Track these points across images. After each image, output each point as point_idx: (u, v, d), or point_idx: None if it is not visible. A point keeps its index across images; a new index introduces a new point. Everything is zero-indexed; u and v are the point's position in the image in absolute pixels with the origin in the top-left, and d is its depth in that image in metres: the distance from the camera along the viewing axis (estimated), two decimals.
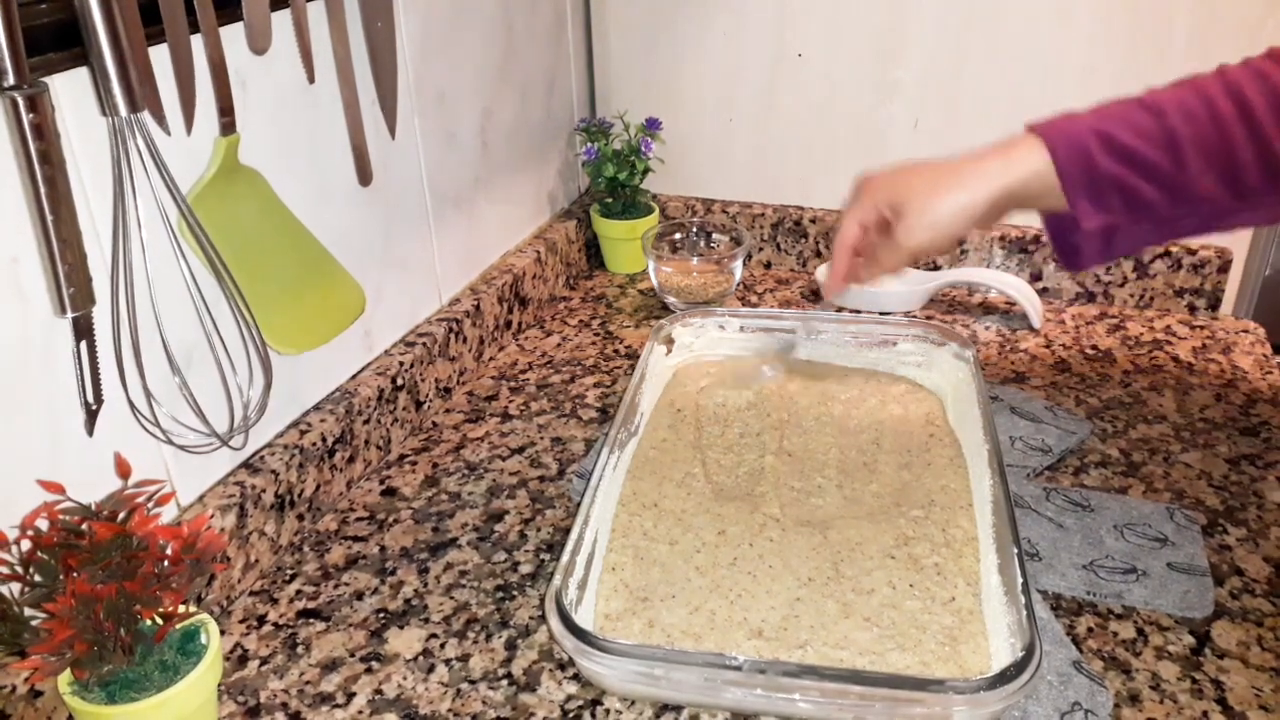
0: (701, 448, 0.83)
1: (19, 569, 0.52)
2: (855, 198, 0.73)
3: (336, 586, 0.72)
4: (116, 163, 0.56)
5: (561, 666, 0.65)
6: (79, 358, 0.57)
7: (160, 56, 0.60)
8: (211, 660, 0.56)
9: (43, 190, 0.51)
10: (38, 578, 0.52)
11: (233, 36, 0.65)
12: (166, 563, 0.55)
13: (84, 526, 0.53)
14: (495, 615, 0.69)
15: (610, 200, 1.18)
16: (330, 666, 0.65)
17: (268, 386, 0.67)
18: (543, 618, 0.69)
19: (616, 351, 1.04)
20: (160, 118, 0.61)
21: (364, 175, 0.80)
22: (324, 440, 0.78)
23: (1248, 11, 0.95)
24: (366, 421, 0.83)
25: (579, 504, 0.71)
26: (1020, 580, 0.62)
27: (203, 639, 0.57)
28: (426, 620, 0.69)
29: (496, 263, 1.07)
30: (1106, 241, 0.67)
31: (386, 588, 0.72)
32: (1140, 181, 0.64)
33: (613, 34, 1.19)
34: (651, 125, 1.15)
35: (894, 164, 0.73)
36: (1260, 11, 0.95)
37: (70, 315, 0.55)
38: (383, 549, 0.76)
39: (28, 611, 0.52)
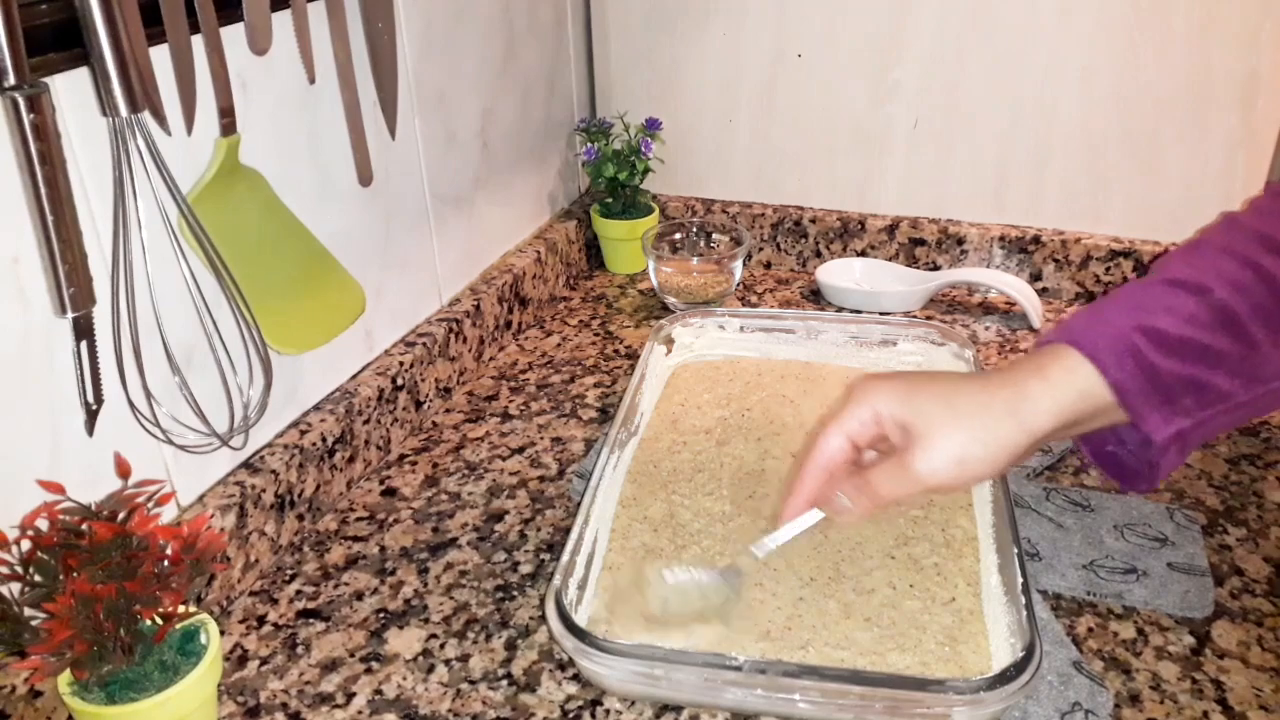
0: (702, 448, 0.83)
1: (19, 569, 0.52)
2: (849, 402, 0.58)
3: (336, 586, 0.72)
4: (117, 163, 0.56)
5: (561, 666, 0.65)
6: (79, 358, 0.57)
7: (160, 57, 0.60)
8: (211, 660, 0.56)
9: (43, 190, 0.51)
10: (38, 578, 0.52)
11: (233, 37, 0.65)
12: (166, 563, 0.55)
13: (84, 526, 0.53)
14: (495, 615, 0.69)
15: (610, 200, 1.18)
16: (330, 667, 0.65)
17: (268, 386, 0.67)
18: (543, 618, 0.69)
19: (616, 351, 1.04)
20: (160, 118, 0.61)
21: (364, 175, 0.80)
22: (324, 440, 0.78)
23: (1248, 11, 0.95)
24: (366, 421, 0.83)
25: (579, 504, 0.71)
26: (1020, 580, 0.62)
27: (202, 639, 0.57)
28: (426, 620, 0.69)
29: (496, 263, 1.07)
30: (1181, 447, 0.56)
31: (386, 588, 0.72)
32: (1211, 374, 0.53)
33: (613, 34, 1.19)
34: (651, 125, 1.15)
35: (900, 372, 0.61)
36: (1260, 11, 0.95)
37: (70, 315, 0.55)
38: (383, 549, 0.76)
39: (28, 611, 0.52)
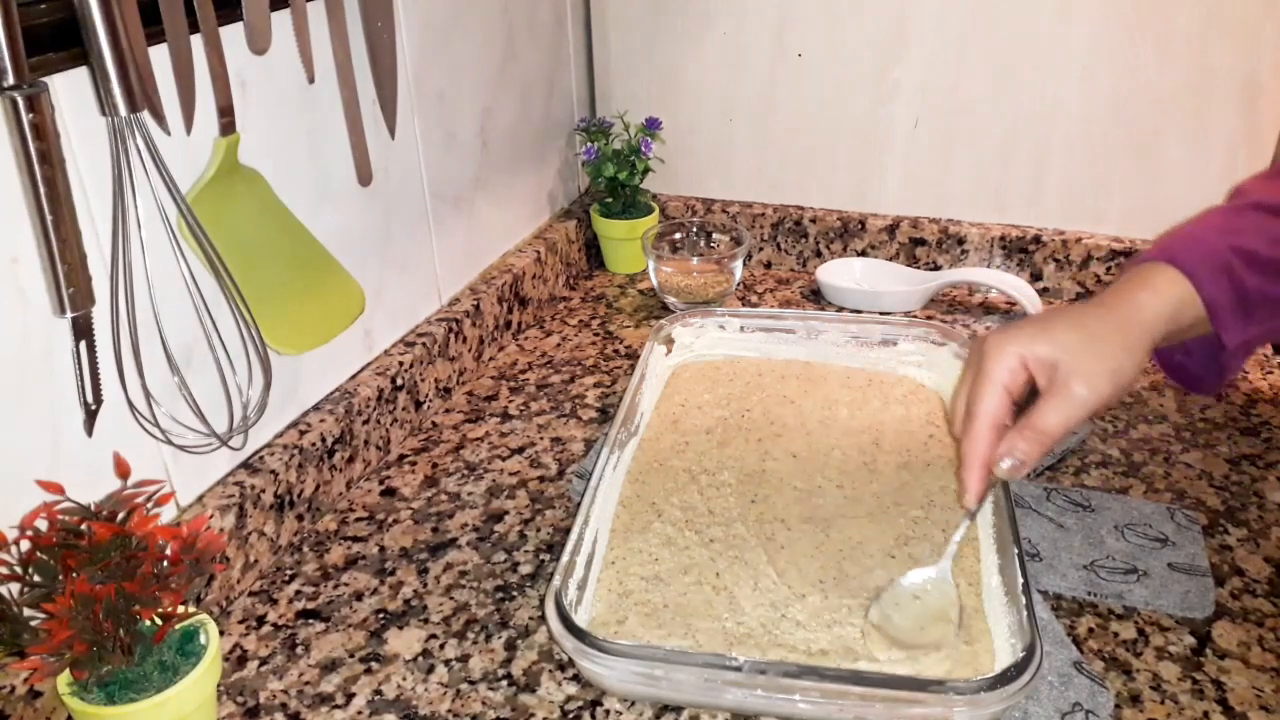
0: (702, 449, 0.83)
1: (18, 569, 0.52)
2: (988, 357, 0.61)
3: (336, 587, 0.72)
4: (116, 163, 0.56)
5: (561, 667, 0.65)
6: (78, 358, 0.57)
7: (160, 56, 0.60)
8: (211, 661, 0.56)
9: (42, 190, 0.51)
10: (37, 578, 0.52)
11: (233, 36, 0.65)
12: (166, 563, 0.55)
13: (83, 527, 0.53)
14: (495, 616, 0.69)
15: (610, 200, 1.18)
16: (330, 667, 0.65)
17: (267, 386, 0.67)
18: (543, 618, 0.69)
19: (616, 351, 1.04)
20: (160, 118, 0.61)
21: (363, 175, 0.80)
22: (323, 440, 0.78)
23: (1248, 11, 0.95)
24: (366, 421, 0.83)
25: (579, 504, 0.71)
26: (1021, 580, 0.62)
27: (202, 639, 0.57)
28: (426, 621, 0.69)
29: (496, 263, 1.07)
30: (1247, 351, 0.65)
31: (386, 588, 0.72)
32: None
33: (613, 34, 1.19)
34: (651, 125, 1.15)
35: (1024, 320, 0.64)
36: (1260, 11, 0.95)
37: (70, 315, 0.55)
38: (382, 549, 0.76)
39: (27, 612, 0.52)
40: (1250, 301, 0.61)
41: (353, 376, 0.85)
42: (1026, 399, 0.61)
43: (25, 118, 0.50)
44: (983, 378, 0.60)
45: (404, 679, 0.64)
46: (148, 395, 0.61)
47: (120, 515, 0.54)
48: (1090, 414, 0.59)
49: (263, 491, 0.72)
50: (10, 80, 0.49)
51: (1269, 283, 0.61)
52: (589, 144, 1.15)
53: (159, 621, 0.55)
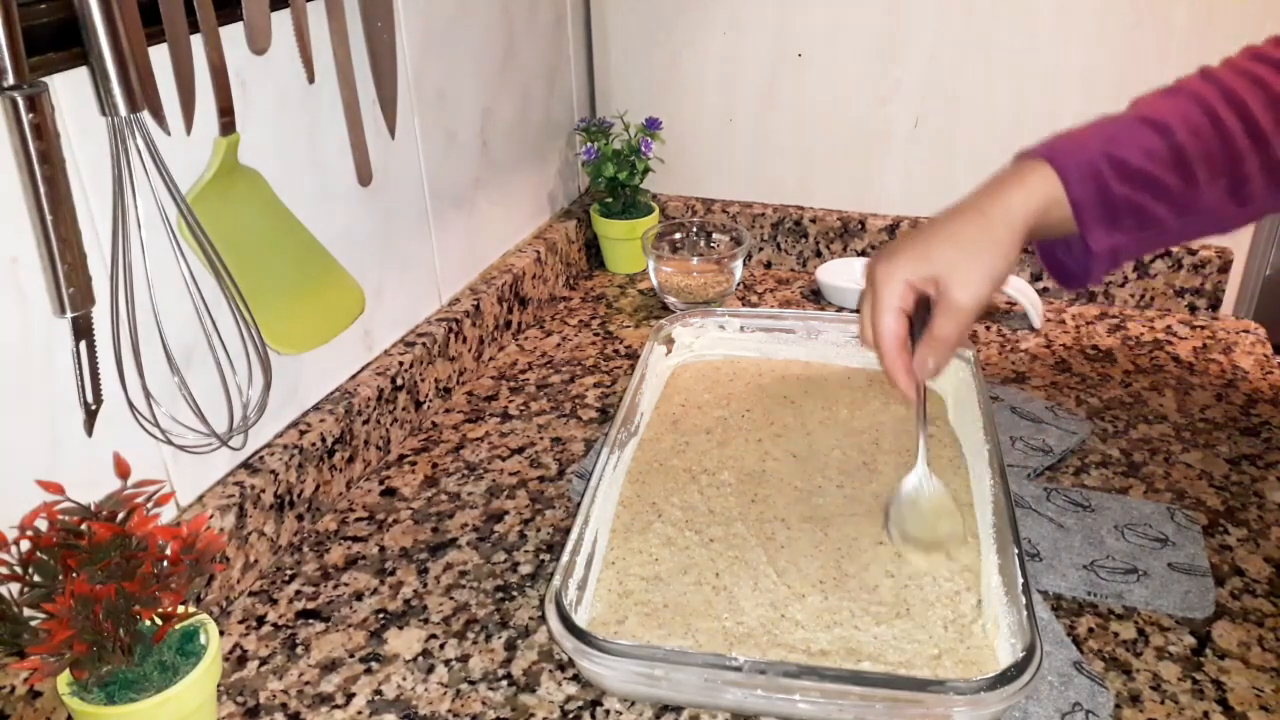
0: (702, 449, 0.83)
1: (18, 569, 0.52)
2: (879, 286, 0.68)
3: (336, 587, 0.72)
4: (116, 163, 0.56)
5: (561, 667, 0.65)
6: (78, 358, 0.57)
7: (160, 56, 0.60)
8: (210, 661, 0.56)
9: (42, 190, 0.51)
10: (37, 578, 0.52)
11: (232, 36, 0.65)
12: (166, 563, 0.54)
13: (83, 527, 0.53)
14: (495, 616, 0.69)
15: (610, 200, 1.18)
16: (330, 667, 0.65)
17: (267, 386, 0.67)
18: (543, 618, 0.69)
19: (616, 351, 1.04)
20: (160, 118, 0.61)
21: (363, 175, 0.80)
22: (323, 440, 0.78)
23: (1248, 11, 0.95)
24: (366, 422, 0.83)
25: (579, 504, 0.71)
26: (1021, 580, 0.62)
27: (202, 639, 0.57)
28: (426, 621, 0.69)
29: (496, 262, 1.07)
30: (1113, 259, 0.67)
31: (386, 588, 0.72)
32: (1152, 202, 0.64)
33: (613, 34, 1.19)
34: (651, 125, 1.15)
35: (894, 241, 0.70)
36: (1260, 11, 0.95)
37: (70, 315, 0.55)
38: (382, 549, 0.76)
39: (27, 612, 0.52)
40: (1115, 208, 0.64)
41: (353, 376, 0.85)
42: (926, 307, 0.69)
43: (25, 118, 0.50)
44: (878, 306, 0.68)
45: (404, 679, 0.64)
46: (148, 395, 0.61)
47: (120, 515, 0.54)
48: (977, 313, 0.66)
49: (263, 491, 0.72)
50: (10, 80, 0.49)
51: (1135, 191, 0.64)
52: (589, 144, 1.15)
53: (159, 621, 0.55)
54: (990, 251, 0.65)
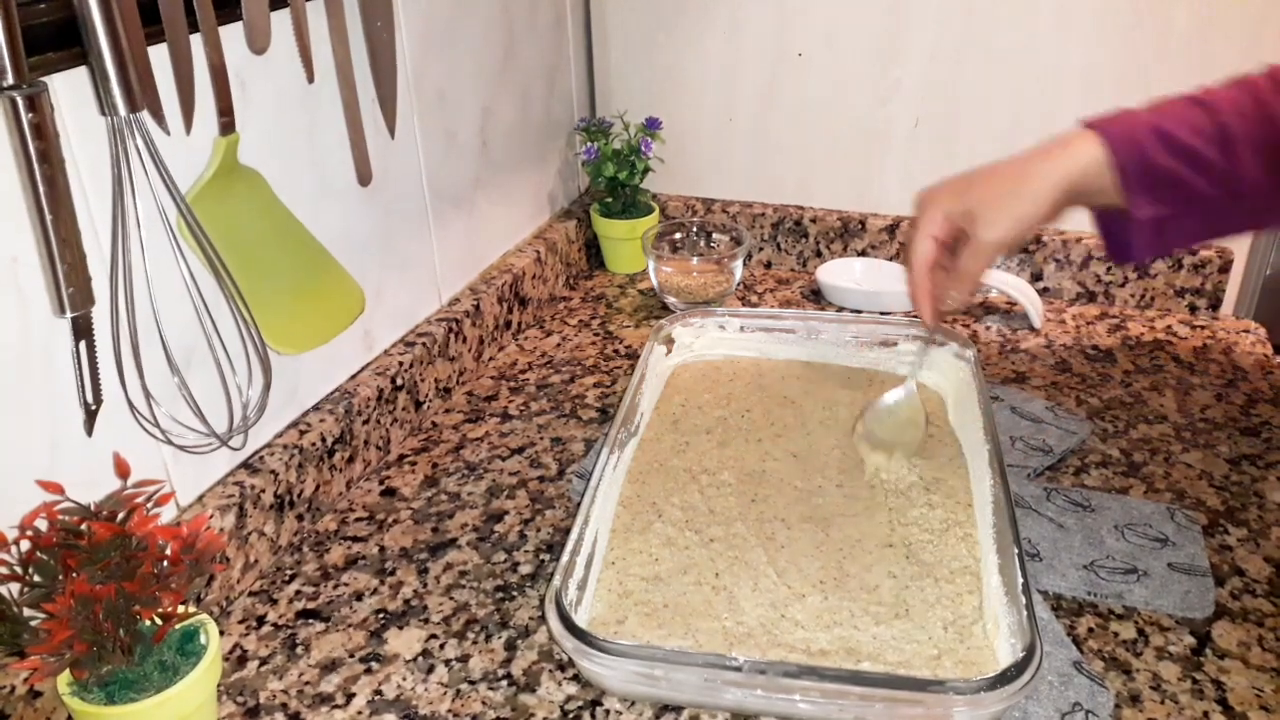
0: (702, 449, 0.83)
1: (18, 569, 0.52)
2: (920, 213, 0.74)
3: (336, 587, 0.72)
4: (116, 162, 0.56)
5: (561, 667, 0.65)
6: (78, 358, 0.57)
7: (160, 56, 0.60)
8: (211, 661, 0.56)
9: (42, 190, 0.51)
10: (37, 578, 0.52)
11: (232, 36, 0.65)
12: (166, 563, 0.54)
13: (83, 527, 0.53)
14: (495, 616, 0.69)
15: (610, 200, 1.18)
16: (330, 667, 0.65)
17: (267, 386, 0.67)
18: (543, 618, 0.69)
19: (616, 351, 1.04)
20: (159, 117, 0.61)
21: (363, 175, 0.80)
22: (323, 440, 0.78)
23: (1248, 11, 0.95)
24: (366, 422, 0.83)
25: (579, 504, 0.71)
26: (1021, 580, 0.62)
27: (202, 639, 0.57)
28: (426, 621, 0.69)
29: (496, 262, 1.07)
30: (1159, 233, 0.69)
31: (386, 588, 0.72)
32: (1193, 174, 0.66)
33: (613, 34, 1.19)
34: (651, 125, 1.15)
35: (953, 175, 0.74)
36: (1260, 11, 0.95)
37: (69, 315, 0.55)
38: (382, 549, 0.76)
39: (27, 612, 0.52)
40: (1158, 179, 0.67)
41: (353, 376, 0.85)
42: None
43: (25, 118, 0.50)
44: (915, 231, 0.73)
45: (404, 679, 0.64)
46: (148, 395, 0.61)
47: (120, 515, 0.54)
48: (999, 252, 0.71)
49: (263, 491, 0.72)
50: (10, 80, 0.49)
51: (1179, 165, 0.66)
52: (589, 144, 1.15)
53: (159, 621, 0.55)
54: (1022, 198, 0.69)
